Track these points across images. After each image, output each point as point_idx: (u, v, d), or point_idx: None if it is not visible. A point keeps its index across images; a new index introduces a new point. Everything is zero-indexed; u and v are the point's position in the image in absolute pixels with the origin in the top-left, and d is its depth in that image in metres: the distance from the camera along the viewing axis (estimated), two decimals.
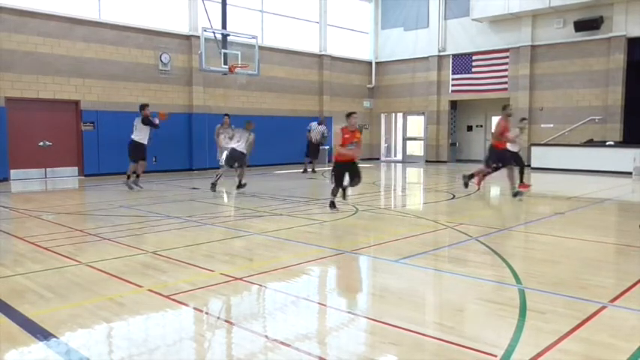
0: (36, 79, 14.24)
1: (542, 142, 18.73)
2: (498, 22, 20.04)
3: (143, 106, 11.81)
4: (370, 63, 24.08)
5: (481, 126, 22.88)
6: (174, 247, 6.08)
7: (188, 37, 17.29)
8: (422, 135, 23.37)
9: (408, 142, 24.24)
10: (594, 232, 7.25)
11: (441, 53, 21.85)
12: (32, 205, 9.59)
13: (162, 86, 16.83)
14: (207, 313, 4.03)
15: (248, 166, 12.52)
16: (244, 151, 11.43)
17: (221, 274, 4.95)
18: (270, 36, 19.83)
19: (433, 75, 22.10)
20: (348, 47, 23.20)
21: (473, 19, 20.33)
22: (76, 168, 15.35)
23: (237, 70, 15.80)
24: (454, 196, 11.23)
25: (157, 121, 11.88)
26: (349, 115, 8.89)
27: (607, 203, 10.42)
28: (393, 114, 24.77)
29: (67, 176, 15.04)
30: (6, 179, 13.82)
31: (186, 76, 17.42)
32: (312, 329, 3.78)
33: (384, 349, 3.33)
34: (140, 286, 4.54)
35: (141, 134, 11.71)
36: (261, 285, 4.66)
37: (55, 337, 3.43)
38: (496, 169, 10.75)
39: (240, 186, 11.55)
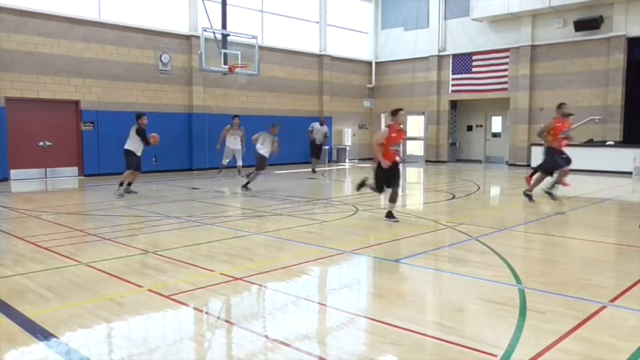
0: (36, 79, 14.24)
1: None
2: (498, 22, 20.04)
3: (139, 115, 11.22)
4: (370, 63, 24.07)
5: (481, 126, 22.87)
6: (174, 247, 6.08)
7: (188, 37, 17.29)
8: (422, 135, 23.37)
9: (408, 142, 24.23)
10: (594, 232, 7.26)
11: (441, 53, 21.84)
12: (32, 205, 9.59)
13: (162, 86, 16.83)
14: (207, 313, 4.03)
15: (245, 166, 12.74)
16: (266, 155, 11.59)
17: (221, 274, 4.95)
18: (270, 36, 19.83)
19: (433, 75, 22.09)
20: (348, 47, 23.19)
21: (473, 19, 20.33)
22: (76, 168, 15.35)
23: (237, 70, 15.80)
24: (454, 196, 11.24)
25: (151, 139, 11.06)
26: (396, 111, 7.87)
27: (607, 203, 10.42)
28: None
29: (67, 176, 15.04)
30: (6, 179, 13.82)
31: (186, 76, 17.42)
32: (312, 329, 3.78)
33: (384, 349, 3.33)
34: (140, 286, 4.54)
35: (134, 144, 11.03)
36: (261, 285, 4.66)
37: (55, 337, 3.43)
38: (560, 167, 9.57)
39: (245, 186, 11.68)
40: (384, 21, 23.79)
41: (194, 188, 12.60)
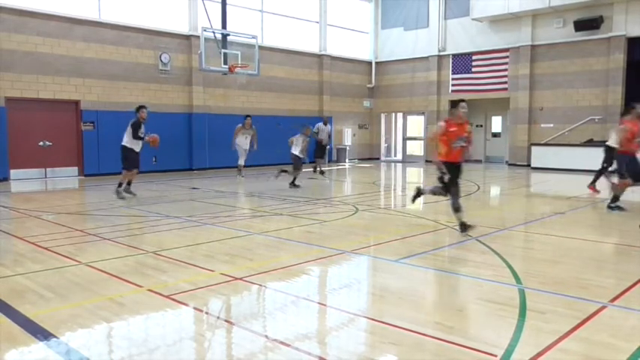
0: (36, 79, 14.24)
1: (542, 142, 18.72)
2: (498, 21, 20.04)
3: (138, 108, 10.52)
4: (370, 63, 24.07)
5: (481, 126, 22.85)
6: (174, 247, 6.08)
7: (188, 37, 17.29)
8: (422, 135, 23.37)
9: (408, 142, 24.24)
10: (594, 232, 7.26)
11: (441, 53, 21.84)
12: (32, 205, 9.59)
13: (162, 86, 16.83)
14: (207, 313, 4.02)
15: (246, 166, 13.39)
16: (300, 155, 12.21)
17: (221, 274, 4.95)
18: (270, 36, 19.83)
19: (433, 75, 22.09)
20: (348, 47, 23.20)
21: (473, 19, 20.33)
22: (76, 168, 15.35)
23: (237, 70, 15.80)
24: None
25: (148, 139, 10.44)
26: (456, 103, 7.02)
27: (607, 203, 10.39)
28: (393, 114, 24.77)
29: (67, 176, 15.04)
30: (6, 179, 13.82)
31: (186, 76, 17.42)
32: (312, 329, 3.78)
33: (384, 349, 3.33)
34: (140, 286, 4.54)
35: (129, 138, 10.35)
36: (261, 285, 4.66)
37: (55, 337, 3.43)
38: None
39: (292, 183, 12.32)
40: (384, 21, 23.79)
41: (194, 188, 12.60)
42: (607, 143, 10.57)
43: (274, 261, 5.50)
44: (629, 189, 9.08)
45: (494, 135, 22.60)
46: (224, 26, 15.91)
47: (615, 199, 9.06)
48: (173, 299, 4.19)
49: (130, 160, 10.43)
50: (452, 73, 21.61)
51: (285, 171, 12.48)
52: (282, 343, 3.37)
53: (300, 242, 6.41)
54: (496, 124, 22.57)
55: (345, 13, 22.99)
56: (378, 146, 24.92)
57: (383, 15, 23.83)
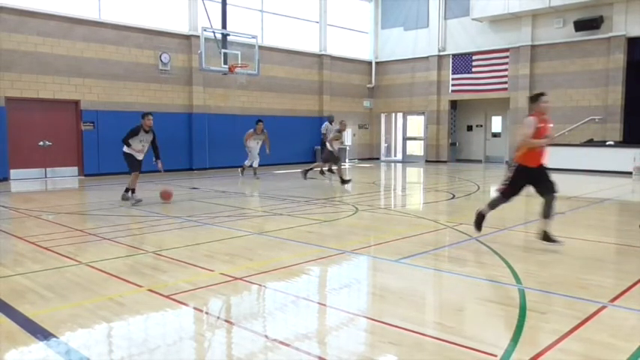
0: (36, 78, 14.24)
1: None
2: (498, 21, 20.04)
3: (143, 115, 9.84)
4: (370, 63, 24.08)
5: (481, 126, 22.87)
6: (174, 247, 6.08)
7: (188, 37, 17.29)
8: (422, 135, 23.37)
9: (408, 142, 24.25)
10: (594, 232, 7.25)
11: (441, 53, 21.85)
12: (32, 205, 9.59)
13: (162, 86, 16.83)
14: (207, 313, 4.02)
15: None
16: (332, 149, 12.75)
17: (221, 274, 4.95)
18: (270, 36, 19.83)
19: (433, 75, 22.10)
20: (348, 47, 23.20)
21: (473, 19, 20.33)
22: (76, 168, 15.35)
23: (237, 69, 15.80)
24: (454, 195, 11.23)
25: (139, 156, 9.82)
26: (537, 97, 6.12)
27: (607, 203, 10.41)
28: (393, 114, 24.77)
29: (67, 176, 15.05)
30: (6, 179, 13.82)
31: (186, 75, 17.42)
32: (312, 329, 3.78)
33: (384, 348, 3.33)
34: (140, 286, 4.54)
35: (132, 144, 9.72)
36: (261, 285, 4.66)
37: (55, 336, 3.43)
38: None
39: (344, 181, 12.74)
40: (384, 21, 23.79)
41: (194, 188, 12.60)
42: None
43: (274, 261, 5.50)
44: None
45: (494, 135, 22.61)
46: (224, 26, 15.91)
47: None
48: (173, 299, 4.19)
49: (131, 164, 9.91)
50: (452, 73, 21.62)
51: (309, 170, 13.13)
52: (282, 343, 3.37)
53: (300, 242, 6.41)
54: (496, 124, 22.58)
55: (345, 13, 23.00)
56: (378, 146, 24.93)
57: (383, 15, 23.83)
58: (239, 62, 15.95)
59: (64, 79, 14.77)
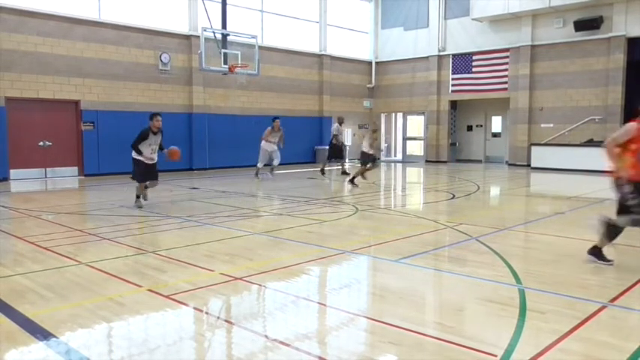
0: (36, 78, 14.24)
1: (542, 142, 18.72)
2: (498, 21, 20.04)
3: (152, 116, 9.09)
4: (370, 63, 24.07)
5: (481, 126, 22.87)
6: (174, 247, 6.08)
7: (188, 37, 17.29)
8: (422, 135, 23.37)
9: (408, 142, 24.24)
10: (594, 232, 7.24)
11: (441, 53, 21.84)
12: (32, 205, 9.59)
13: (162, 86, 16.83)
14: (207, 313, 4.02)
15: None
16: (368, 151, 12.74)
17: (221, 274, 4.95)
18: (270, 36, 19.83)
19: (433, 75, 22.09)
20: (348, 47, 23.19)
21: (473, 19, 20.32)
22: (76, 168, 15.35)
23: (237, 69, 15.80)
24: (454, 196, 11.23)
25: (165, 150, 9.25)
26: None
27: (607, 203, 10.39)
28: (393, 114, 24.77)
29: (67, 176, 15.04)
30: (6, 179, 13.82)
31: (186, 75, 17.42)
32: (312, 329, 3.78)
33: (384, 348, 3.33)
34: (140, 286, 4.54)
35: (142, 151, 9.02)
36: (261, 285, 4.66)
37: (55, 336, 3.43)
38: None
39: (351, 180, 12.85)
40: (384, 21, 23.78)
41: (194, 188, 12.60)
42: None
43: (274, 261, 5.50)
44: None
45: (494, 135, 22.61)
46: (224, 26, 15.91)
47: None
48: (173, 299, 4.19)
49: (135, 173, 9.20)
50: (452, 73, 21.61)
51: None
52: (282, 343, 3.37)
53: (300, 242, 6.41)
54: (496, 124, 22.58)
55: (345, 13, 22.99)
56: (377, 146, 24.89)
57: (383, 15, 23.82)
58: (239, 62, 15.94)
59: (64, 79, 14.76)
